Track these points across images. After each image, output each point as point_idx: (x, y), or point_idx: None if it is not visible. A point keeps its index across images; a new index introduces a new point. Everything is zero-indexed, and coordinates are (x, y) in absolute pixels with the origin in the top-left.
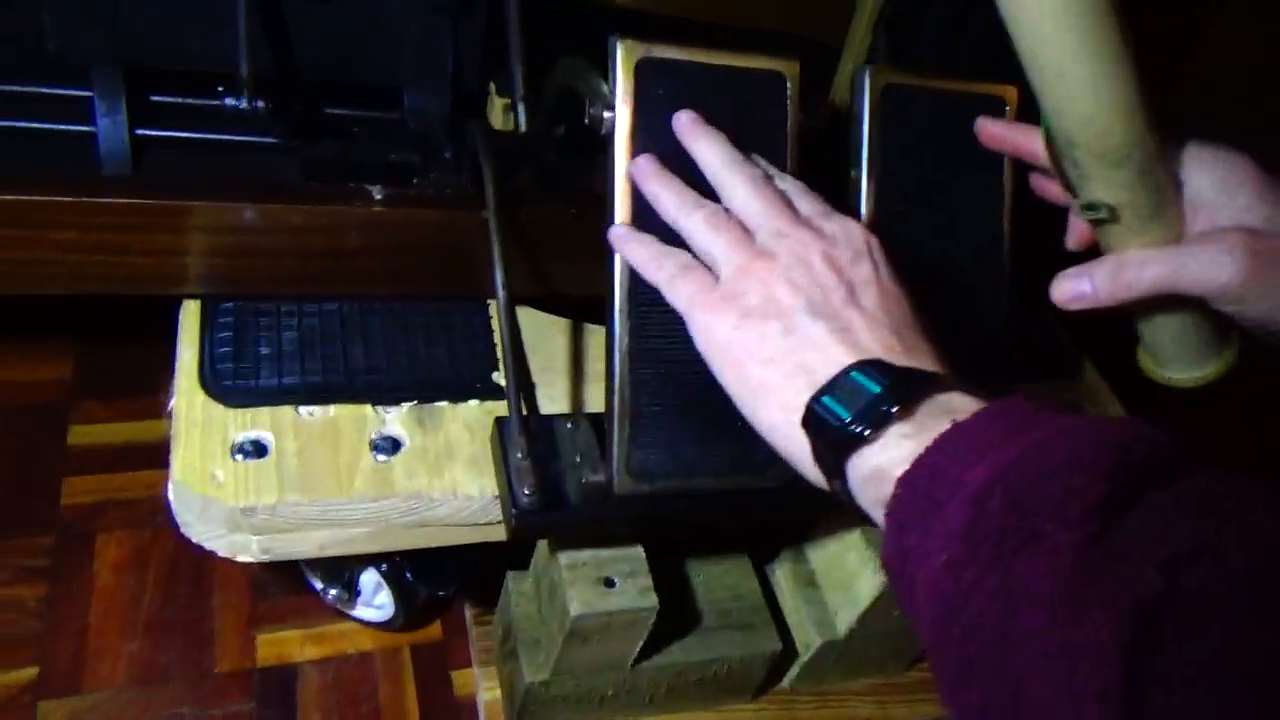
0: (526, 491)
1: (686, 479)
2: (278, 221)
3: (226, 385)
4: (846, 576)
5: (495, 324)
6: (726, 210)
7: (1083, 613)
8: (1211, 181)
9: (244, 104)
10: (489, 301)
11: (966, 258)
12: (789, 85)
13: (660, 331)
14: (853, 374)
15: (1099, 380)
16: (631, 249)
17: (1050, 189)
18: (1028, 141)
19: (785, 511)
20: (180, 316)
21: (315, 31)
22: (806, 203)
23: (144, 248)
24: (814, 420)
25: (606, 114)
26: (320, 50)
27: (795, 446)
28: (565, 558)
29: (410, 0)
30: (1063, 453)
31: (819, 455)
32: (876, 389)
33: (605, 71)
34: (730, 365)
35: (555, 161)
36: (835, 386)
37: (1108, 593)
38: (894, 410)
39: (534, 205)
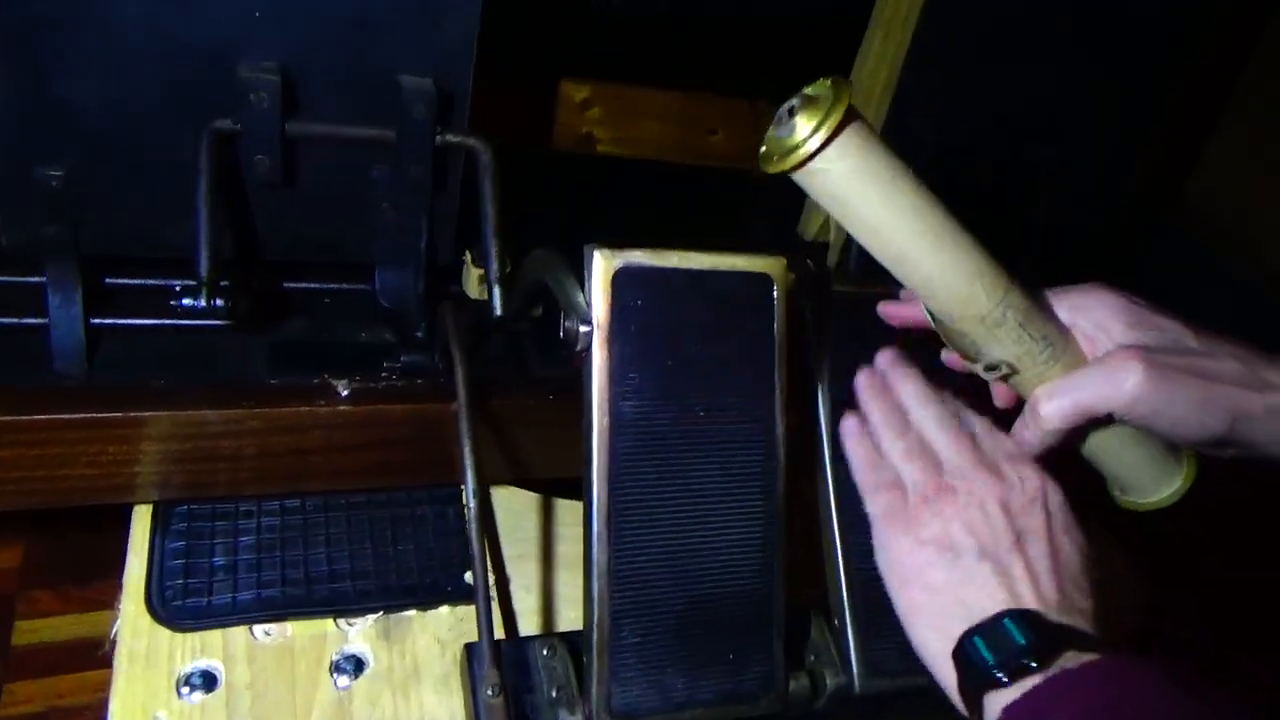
0: None
1: (674, 715)
2: (237, 426)
3: (175, 606)
4: None
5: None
6: (921, 440)
7: None
8: (1091, 321)
9: (202, 303)
10: (463, 487)
11: None
12: (775, 286)
13: (642, 550)
14: (1005, 621)
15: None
16: (854, 448)
17: (953, 361)
18: (917, 314)
19: None
20: (131, 524)
21: (284, 215)
22: (990, 442)
23: (92, 460)
24: (963, 656)
25: (583, 328)
26: (289, 233)
27: (944, 672)
28: None
29: (383, 181)
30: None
31: (962, 689)
32: (1022, 641)
33: (578, 272)
34: (899, 582)
35: (531, 338)
36: (987, 629)
37: None
38: (1035, 665)
39: (508, 392)
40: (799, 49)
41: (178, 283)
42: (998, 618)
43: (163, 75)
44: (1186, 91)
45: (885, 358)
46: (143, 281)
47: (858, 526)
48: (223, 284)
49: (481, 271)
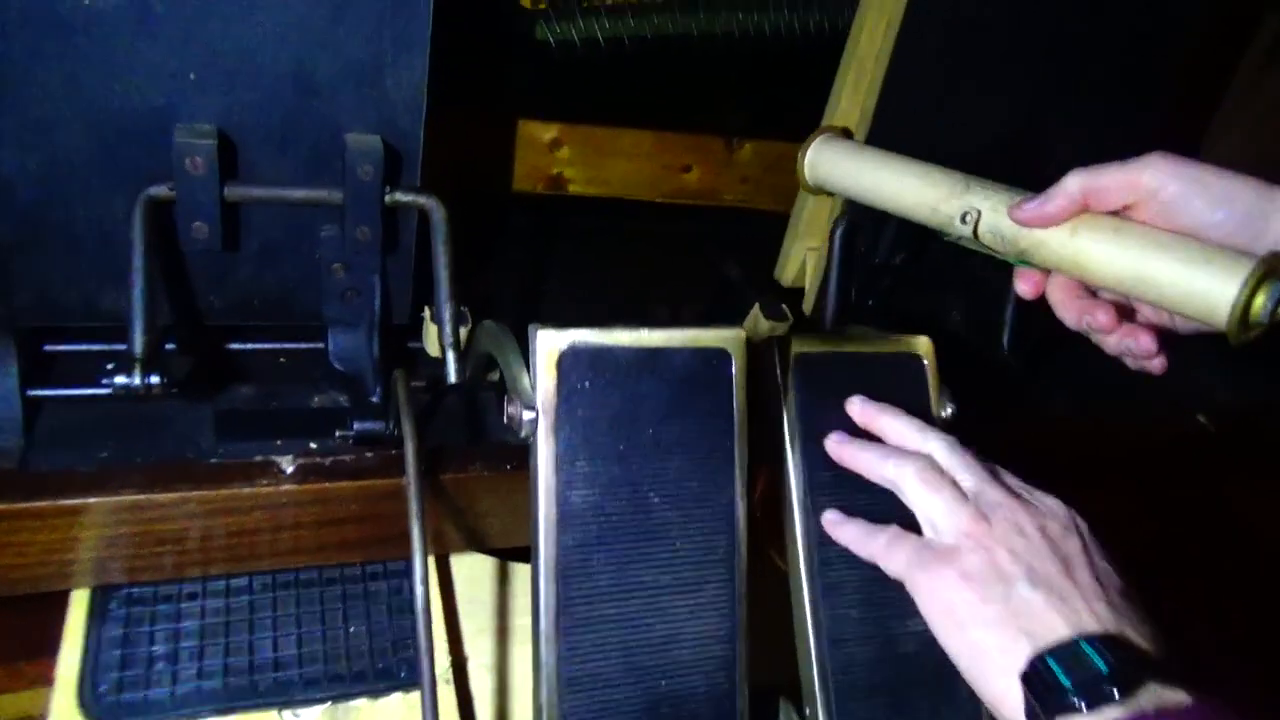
0: None
1: None
2: (175, 510)
3: (110, 702)
4: None
5: None
6: (934, 467)
7: None
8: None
9: (136, 381)
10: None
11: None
12: (734, 361)
13: (594, 651)
14: (1081, 644)
15: None
16: (842, 531)
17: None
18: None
19: None
20: (68, 610)
21: (227, 278)
22: (1005, 474)
23: (21, 550)
24: (1035, 679)
25: (526, 415)
26: (234, 296)
27: (1009, 705)
28: None
29: (333, 241)
30: None
31: (1030, 713)
32: (1103, 668)
33: (524, 349)
34: (953, 626)
35: (492, 394)
36: (1062, 652)
37: None
38: (1116, 695)
39: (462, 464)
40: (772, 85)
41: (120, 345)
42: (1072, 641)
43: (92, 142)
44: (1160, 130)
45: (857, 402)
46: (84, 347)
47: (832, 598)
48: (167, 345)
49: None
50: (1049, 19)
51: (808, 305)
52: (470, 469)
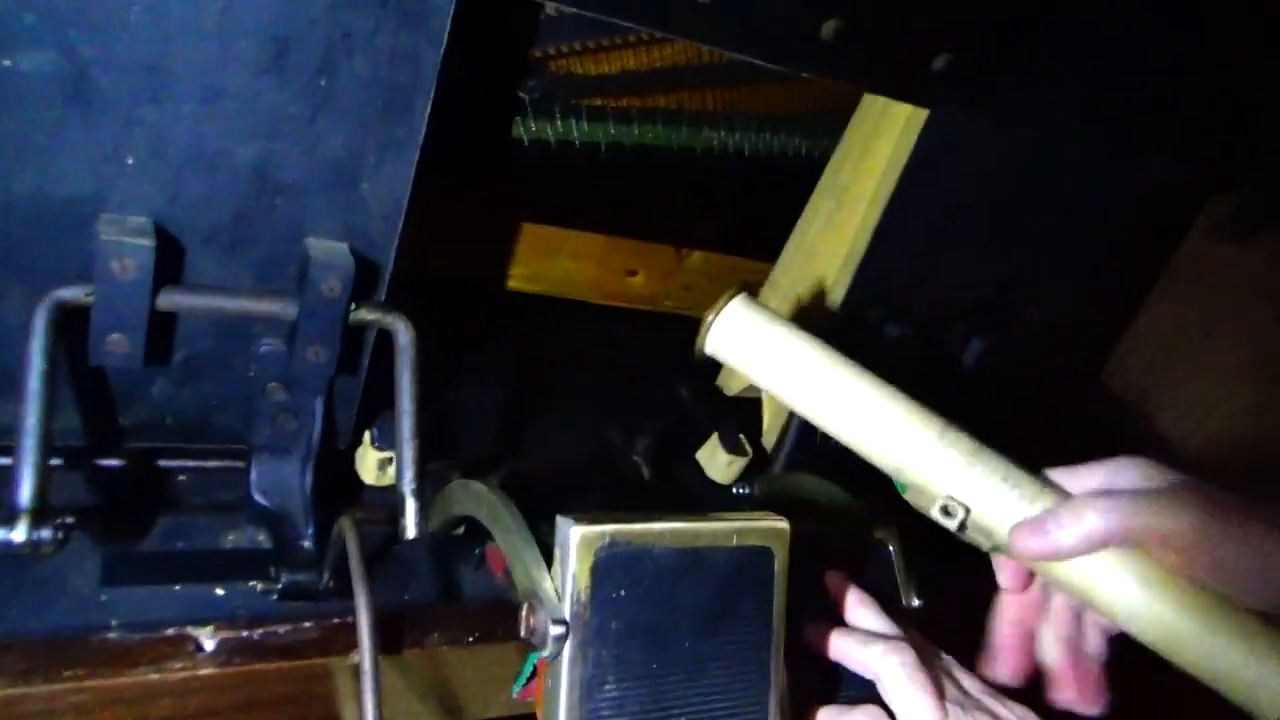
0: None
1: None
2: (52, 704)
3: None
4: None
5: None
6: (909, 668)
7: None
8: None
9: (20, 538)
10: None
11: None
12: (776, 560)
13: None
14: None
15: None
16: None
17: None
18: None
19: None
20: None
21: (138, 393)
22: (969, 680)
23: None
24: None
25: (554, 630)
26: (144, 415)
27: None
28: None
29: (275, 358)
30: None
31: None
32: None
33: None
34: None
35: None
36: None
37: None
38: None
39: (420, 635)
40: (735, 201)
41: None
42: None
43: None
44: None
45: (837, 577)
46: None
47: None
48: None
49: (381, 455)
50: (1036, 184)
51: (768, 438)
52: (427, 642)
